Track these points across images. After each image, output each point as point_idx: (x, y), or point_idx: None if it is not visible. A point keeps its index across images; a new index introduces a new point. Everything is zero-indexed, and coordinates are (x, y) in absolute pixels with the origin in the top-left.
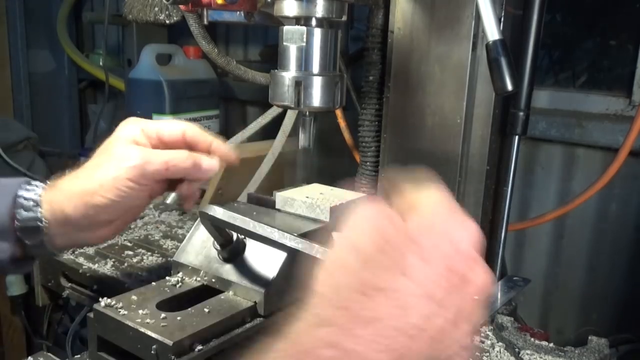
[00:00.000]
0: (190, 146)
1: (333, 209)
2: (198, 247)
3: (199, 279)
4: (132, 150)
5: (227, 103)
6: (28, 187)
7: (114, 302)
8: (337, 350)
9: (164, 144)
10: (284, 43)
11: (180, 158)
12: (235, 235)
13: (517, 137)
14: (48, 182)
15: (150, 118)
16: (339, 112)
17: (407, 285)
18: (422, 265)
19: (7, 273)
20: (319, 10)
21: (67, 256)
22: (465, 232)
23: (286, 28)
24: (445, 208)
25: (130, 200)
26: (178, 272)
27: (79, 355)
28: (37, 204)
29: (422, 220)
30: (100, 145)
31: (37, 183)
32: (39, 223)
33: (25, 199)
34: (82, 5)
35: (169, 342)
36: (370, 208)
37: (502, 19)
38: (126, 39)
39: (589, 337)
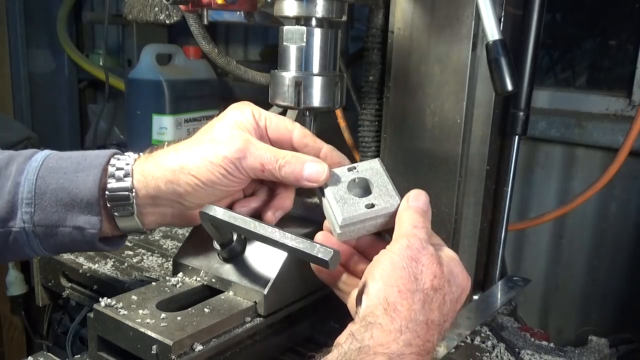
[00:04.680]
0: (297, 149)
1: None
2: (198, 247)
3: (199, 279)
4: (234, 137)
5: (227, 103)
6: (120, 157)
7: (114, 302)
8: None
9: (269, 138)
10: (284, 43)
11: (275, 166)
12: (235, 235)
13: (517, 137)
14: (141, 154)
15: (150, 118)
16: (339, 112)
17: (443, 319)
18: (448, 304)
19: (97, 250)
20: (319, 10)
21: (67, 256)
22: (467, 284)
23: (286, 28)
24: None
25: (220, 188)
26: (178, 272)
27: (79, 355)
28: (127, 173)
29: (450, 267)
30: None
31: (129, 153)
32: (129, 193)
33: (117, 168)
34: (82, 5)
35: (169, 342)
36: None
37: (502, 19)
38: (126, 39)
39: (589, 337)
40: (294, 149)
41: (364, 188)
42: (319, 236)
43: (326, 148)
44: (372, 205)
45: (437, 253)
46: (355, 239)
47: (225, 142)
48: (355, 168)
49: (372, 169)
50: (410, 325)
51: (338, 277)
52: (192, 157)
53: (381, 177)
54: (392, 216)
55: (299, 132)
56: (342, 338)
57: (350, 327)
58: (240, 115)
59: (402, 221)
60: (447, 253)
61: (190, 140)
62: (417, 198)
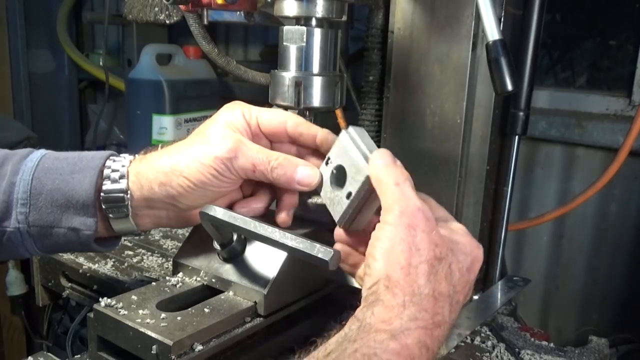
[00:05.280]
0: (293, 138)
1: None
2: (198, 247)
3: (199, 279)
4: (225, 138)
5: (227, 103)
6: (115, 158)
7: (114, 302)
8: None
9: (264, 133)
10: (284, 43)
11: (267, 167)
12: (235, 235)
13: (517, 137)
14: (136, 155)
15: (150, 118)
16: (339, 112)
17: (452, 290)
18: (457, 274)
19: (92, 251)
20: (319, 10)
21: (67, 256)
22: (477, 252)
23: (286, 28)
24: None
25: (212, 189)
26: (178, 272)
27: (79, 355)
28: (123, 175)
29: (453, 237)
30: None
31: (125, 155)
32: (124, 195)
33: (113, 170)
34: (82, 5)
35: (169, 342)
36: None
37: (502, 19)
38: (126, 39)
39: (589, 337)
40: (290, 139)
41: (343, 177)
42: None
43: (322, 133)
44: (350, 194)
45: (431, 215)
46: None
47: (216, 143)
48: (329, 159)
49: (341, 150)
50: (414, 299)
51: (358, 266)
52: (183, 158)
53: (349, 155)
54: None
55: (292, 122)
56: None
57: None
58: (231, 116)
59: (382, 183)
60: (452, 226)
61: (184, 142)
62: (381, 157)
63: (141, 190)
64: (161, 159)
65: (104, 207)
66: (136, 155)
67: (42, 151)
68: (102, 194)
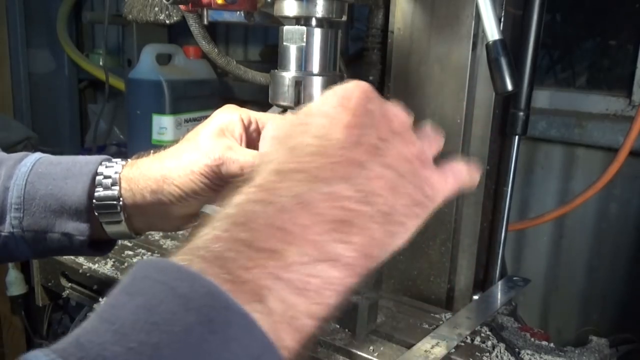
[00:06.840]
0: None
1: None
2: None
3: None
4: (215, 145)
5: (227, 103)
6: (108, 164)
7: None
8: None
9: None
10: (284, 43)
11: (253, 168)
12: None
13: (517, 137)
14: (129, 160)
15: (150, 118)
16: None
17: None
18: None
19: (86, 255)
20: (319, 10)
21: (66, 256)
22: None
23: (286, 28)
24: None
25: (205, 196)
26: None
27: None
28: (115, 182)
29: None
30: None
31: (117, 160)
32: (116, 202)
33: (105, 177)
34: (82, 5)
35: None
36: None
37: (502, 19)
38: (126, 39)
39: (589, 337)
40: None
41: None
42: None
43: None
44: None
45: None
46: None
47: (206, 150)
48: None
49: None
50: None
51: None
52: (174, 167)
53: None
54: None
55: None
56: None
57: None
58: (227, 120)
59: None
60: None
61: (174, 148)
62: None
63: (133, 197)
64: (152, 166)
65: (96, 213)
66: (129, 160)
67: (37, 155)
68: (94, 200)
